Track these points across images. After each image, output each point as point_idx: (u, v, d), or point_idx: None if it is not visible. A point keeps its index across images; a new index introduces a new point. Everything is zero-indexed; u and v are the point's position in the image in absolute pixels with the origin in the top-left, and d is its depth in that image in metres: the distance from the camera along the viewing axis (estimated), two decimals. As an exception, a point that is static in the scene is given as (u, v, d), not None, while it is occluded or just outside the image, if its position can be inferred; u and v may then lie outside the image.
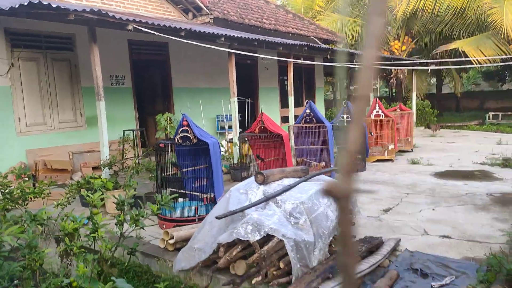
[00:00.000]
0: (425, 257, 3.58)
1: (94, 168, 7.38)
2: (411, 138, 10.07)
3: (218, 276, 3.01)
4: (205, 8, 9.65)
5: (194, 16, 10.01)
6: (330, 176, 6.74)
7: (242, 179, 6.04)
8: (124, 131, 7.83)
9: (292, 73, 9.13)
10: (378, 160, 8.73)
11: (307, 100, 6.89)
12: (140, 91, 9.36)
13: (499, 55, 15.13)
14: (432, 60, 16.19)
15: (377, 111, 8.92)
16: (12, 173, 4.47)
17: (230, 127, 10.96)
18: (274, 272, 2.63)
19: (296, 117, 13.36)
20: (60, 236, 3.40)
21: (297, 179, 3.26)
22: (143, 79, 9.90)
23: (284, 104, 13.59)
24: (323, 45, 9.88)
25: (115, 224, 2.96)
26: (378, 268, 3.35)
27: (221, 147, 7.00)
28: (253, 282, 2.52)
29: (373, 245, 3.48)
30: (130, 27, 5.56)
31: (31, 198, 4.10)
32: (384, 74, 24.96)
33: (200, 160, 5.04)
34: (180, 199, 5.14)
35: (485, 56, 15.07)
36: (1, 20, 6.64)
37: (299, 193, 2.98)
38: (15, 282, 2.41)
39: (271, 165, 6.36)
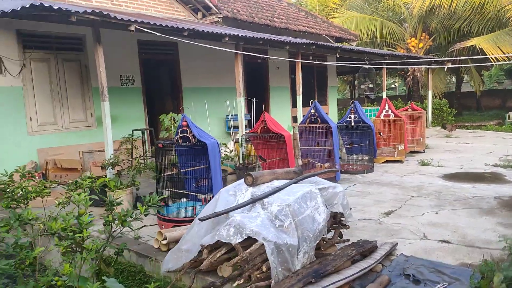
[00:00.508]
0: (420, 263, 3.52)
1: (103, 167, 7.52)
2: (423, 138, 9.88)
3: (206, 277, 3.04)
4: (214, 8, 9.69)
5: (204, 15, 10.06)
6: (335, 177, 6.72)
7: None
8: (133, 130, 7.94)
9: (300, 72, 9.07)
10: (387, 161, 8.60)
11: (312, 100, 6.84)
12: (150, 91, 9.48)
13: (519, 52, 14.69)
14: (448, 58, 15.83)
15: (387, 111, 8.78)
16: (16, 171, 4.59)
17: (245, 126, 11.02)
18: (258, 275, 2.63)
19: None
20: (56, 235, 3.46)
21: (288, 181, 3.25)
22: (152, 79, 10.01)
23: (295, 103, 13.51)
24: (331, 44, 9.78)
25: (103, 225, 3.01)
26: (370, 273, 3.31)
27: (226, 147, 7.03)
28: (234, 285, 2.53)
29: (365, 249, 3.43)
30: (132, 28, 5.64)
31: (33, 197, 4.20)
32: (402, 72, 24.59)
33: (201, 161, 5.07)
34: (184, 199, 5.20)
35: (504, 53, 14.64)
36: (14, 22, 6.83)
37: (286, 195, 2.97)
38: (4, 280, 2.48)
39: (275, 166, 6.35)
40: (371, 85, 11.18)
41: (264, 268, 2.58)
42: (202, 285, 2.70)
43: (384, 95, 12.66)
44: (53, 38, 7.56)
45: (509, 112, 19.54)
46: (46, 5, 4.61)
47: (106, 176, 5.68)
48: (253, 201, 2.89)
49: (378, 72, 25.89)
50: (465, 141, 11.60)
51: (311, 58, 9.49)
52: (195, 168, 4.94)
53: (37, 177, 6.59)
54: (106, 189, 5.28)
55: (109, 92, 8.38)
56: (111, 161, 5.55)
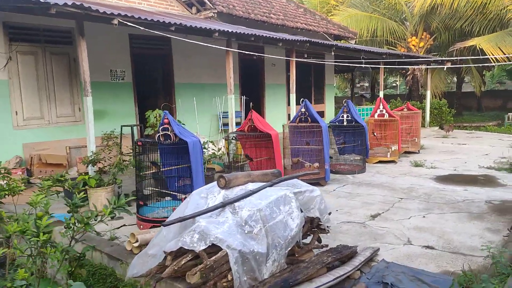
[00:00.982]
0: (400, 270, 3.39)
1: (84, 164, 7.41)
2: (418, 139, 9.73)
3: (176, 284, 2.91)
4: (209, 3, 9.53)
5: (198, 10, 9.90)
6: (325, 178, 6.58)
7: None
8: (122, 126, 7.82)
9: (294, 70, 8.92)
10: (380, 162, 8.46)
11: (302, 99, 6.69)
12: (142, 86, 9.33)
13: (519, 53, 14.48)
14: (447, 58, 15.62)
15: (381, 111, 8.64)
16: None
17: (238, 124, 10.88)
18: (224, 284, 2.51)
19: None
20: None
21: (263, 184, 3.12)
22: (144, 74, 9.87)
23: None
24: (327, 41, 9.61)
25: (64, 227, 2.89)
26: (347, 280, 3.18)
27: (214, 145, 6.90)
28: (196, 294, 2.41)
29: (343, 255, 3.30)
30: (115, 22, 5.50)
31: (5, 195, 4.08)
32: (403, 71, 24.38)
33: (184, 160, 4.94)
34: (168, 198, 5.08)
35: (504, 53, 14.44)
36: (0, 14, 6.69)
37: (259, 199, 2.84)
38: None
39: (262, 165, 6.22)
40: (367, 84, 10.99)
41: (229, 277, 2.45)
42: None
43: (381, 94, 12.50)
44: (41, 31, 7.42)
45: (509, 113, 19.35)
46: (25, -4, 4.49)
47: (87, 173, 5.56)
48: (223, 205, 2.76)
49: (378, 71, 25.81)
50: (461, 142, 11.44)
51: (305, 56, 9.33)
52: (177, 166, 4.80)
53: (19, 173, 6.48)
54: (87, 187, 5.16)
55: (99, 87, 8.33)
56: (91, 158, 5.42)
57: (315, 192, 3.19)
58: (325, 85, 14.80)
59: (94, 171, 5.53)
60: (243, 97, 8.58)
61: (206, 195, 2.99)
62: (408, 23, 20.30)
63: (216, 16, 9.71)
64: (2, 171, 4.43)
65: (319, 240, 3.55)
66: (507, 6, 15.52)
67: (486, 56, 14.36)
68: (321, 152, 6.63)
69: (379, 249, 3.81)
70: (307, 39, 8.72)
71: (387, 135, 8.83)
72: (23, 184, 4.36)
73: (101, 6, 6.23)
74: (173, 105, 7.20)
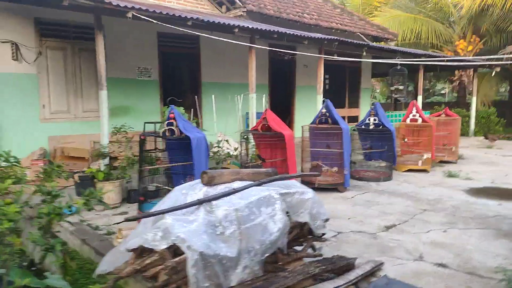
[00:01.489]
0: (402, 288, 3.04)
1: (111, 158, 7.50)
2: (455, 147, 9.04)
3: (149, 283, 2.76)
4: (238, 1, 9.42)
5: (228, 9, 9.83)
6: (343, 184, 6.21)
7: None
8: (145, 123, 7.85)
9: (322, 70, 8.58)
10: (410, 170, 7.91)
11: (323, 99, 6.38)
12: (168, 85, 9.37)
13: None
14: (497, 62, 14.47)
15: (414, 115, 8.09)
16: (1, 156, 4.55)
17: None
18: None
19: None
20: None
21: (250, 183, 2.89)
22: (171, 72, 9.91)
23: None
24: (358, 41, 9.17)
25: (36, 217, 2.82)
26: (339, 295, 2.89)
27: (228, 144, 6.73)
28: (155, 297, 2.24)
29: (337, 267, 3.00)
30: (130, 15, 5.49)
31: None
32: (451, 77, 23.10)
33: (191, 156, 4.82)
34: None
35: (562, 59, 13.19)
36: (32, 9, 6.94)
37: (240, 198, 2.62)
38: None
39: (277, 167, 5.96)
40: (401, 87, 10.41)
41: (193, 281, 2.25)
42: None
43: (419, 98, 11.80)
44: (71, 27, 7.62)
45: None
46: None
47: (99, 167, 5.57)
48: (199, 202, 2.57)
49: (425, 74, 24.55)
50: (507, 153, 10.53)
51: (335, 56, 8.95)
52: (178, 164, 4.68)
53: (41, 164, 6.65)
54: (95, 180, 5.18)
55: (125, 83, 8.46)
56: (101, 151, 5.44)
57: (307, 194, 2.92)
58: (360, 89, 14.23)
59: (104, 165, 5.54)
60: (264, 96, 8.35)
61: (187, 191, 2.82)
62: (455, 25, 19.17)
63: (245, 14, 9.58)
64: (12, 160, 4.50)
65: (314, 248, 3.26)
66: None
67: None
68: (341, 156, 6.27)
69: (383, 263, 3.45)
70: (336, 38, 8.36)
71: (420, 142, 8.26)
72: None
73: (127, 1, 6.27)
74: (180, 100, 7.07)
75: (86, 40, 7.88)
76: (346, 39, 8.70)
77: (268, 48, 7.55)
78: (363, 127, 7.39)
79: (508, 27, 16.89)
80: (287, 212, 2.81)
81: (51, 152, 7.31)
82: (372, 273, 3.29)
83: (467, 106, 18.92)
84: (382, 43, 14.96)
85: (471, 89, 19.47)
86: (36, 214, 3.12)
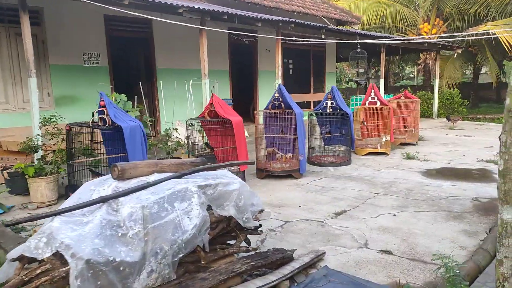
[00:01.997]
0: (340, 279, 2.84)
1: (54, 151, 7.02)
2: (415, 129, 9.01)
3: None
4: (192, -17, 8.95)
5: (182, -9, 9.33)
6: (299, 170, 6.00)
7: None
8: (93, 112, 7.39)
9: (280, 53, 8.29)
10: (370, 153, 7.82)
11: (276, 82, 6.11)
12: (120, 71, 8.89)
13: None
14: (461, 42, 14.61)
15: (373, 98, 7.95)
16: None
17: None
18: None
19: (299, 105, 12.54)
20: None
21: (168, 175, 2.60)
22: (123, 58, 9.42)
23: (287, 89, 12.70)
24: (315, 23, 8.92)
25: None
26: (273, 291, 2.66)
27: (177, 133, 6.40)
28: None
29: (269, 262, 2.77)
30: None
31: None
32: (416, 60, 23.34)
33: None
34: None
35: (520, 40, 13.41)
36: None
37: (150, 194, 2.32)
38: None
39: (228, 155, 5.71)
40: (361, 70, 10.28)
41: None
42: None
43: (381, 82, 11.74)
44: (4, 10, 7.01)
45: (526, 105, 18.14)
46: None
47: (32, 162, 5.14)
48: (102, 200, 2.25)
49: (392, 60, 24.70)
50: (468, 134, 10.64)
51: (293, 39, 8.68)
52: (116, 155, 4.33)
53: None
54: (26, 177, 4.75)
55: (70, 70, 7.93)
56: (29, 144, 5.00)
57: (232, 185, 2.65)
58: (325, 73, 14.08)
59: (37, 159, 5.10)
60: (216, 82, 8.01)
61: (96, 187, 2.49)
62: (419, 8, 19.25)
63: (201, -3, 9.13)
64: None
65: (248, 242, 3.01)
66: (525, -12, 14.43)
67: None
68: (296, 141, 6.05)
69: (324, 253, 3.25)
70: (292, 19, 8.07)
71: (379, 125, 8.16)
72: None
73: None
74: (111, 86, 6.70)
75: (24, 25, 7.27)
76: (302, 21, 8.42)
77: (221, 30, 7.18)
78: (320, 111, 7.18)
79: (470, 9, 17.07)
80: (209, 206, 2.53)
81: (-12, 147, 6.76)
82: (312, 264, 3.08)
83: (433, 88, 19.16)
84: (346, 26, 14.81)
85: (433, 71, 19.75)
86: None
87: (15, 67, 7.20)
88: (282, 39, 9.86)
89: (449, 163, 6.92)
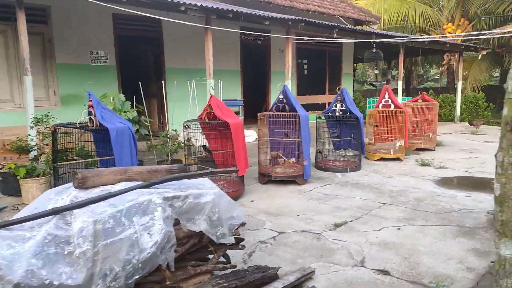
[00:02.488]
0: (326, 304, 2.55)
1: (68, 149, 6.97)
2: (433, 134, 8.54)
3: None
4: (203, -19, 8.77)
5: (193, -10, 9.17)
6: (303, 176, 5.69)
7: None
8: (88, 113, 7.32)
9: (290, 52, 8.01)
10: (382, 159, 7.43)
11: (280, 84, 5.84)
12: (128, 71, 8.79)
13: None
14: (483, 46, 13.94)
15: (386, 101, 7.56)
16: None
17: (235, 113, 10.14)
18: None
19: (307, 106, 12.19)
20: None
21: (136, 184, 2.38)
22: (131, 57, 9.32)
23: (301, 90, 12.46)
24: (326, 22, 8.58)
25: None
26: (248, 315, 2.41)
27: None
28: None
29: (244, 283, 2.51)
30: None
31: None
32: (440, 62, 22.52)
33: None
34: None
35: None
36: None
37: (109, 205, 2.10)
38: None
39: (228, 159, 5.46)
40: (377, 71, 9.85)
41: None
42: None
43: (399, 84, 11.27)
44: (12, 8, 6.98)
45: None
46: None
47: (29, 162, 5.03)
48: (53, 212, 2.05)
49: (413, 61, 23.95)
50: (490, 139, 10.06)
51: (305, 39, 8.37)
52: (107, 158, 4.15)
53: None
54: (18, 178, 4.65)
55: (76, 69, 7.87)
56: (19, 145, 4.90)
57: (205, 197, 2.40)
58: (341, 74, 13.68)
59: (30, 160, 5.00)
60: (220, 82, 7.78)
61: (55, 196, 2.30)
62: (444, 9, 18.53)
63: (211, -5, 8.94)
64: None
65: (227, 258, 2.76)
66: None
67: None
68: (301, 145, 5.75)
69: (313, 271, 2.97)
70: (302, 18, 7.76)
71: (394, 128, 7.76)
72: None
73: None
74: (100, 85, 6.53)
75: (31, 23, 7.23)
76: (313, 20, 8.09)
77: (230, 30, 6.96)
78: (329, 114, 6.86)
79: (497, 9, 16.30)
80: (176, 220, 2.30)
81: (-8, 145, 6.75)
82: (298, 284, 2.80)
83: (456, 91, 18.42)
84: (365, 26, 14.37)
85: (457, 73, 18.98)
86: None
87: (20, 65, 7.17)
88: (296, 40, 9.57)
89: (467, 171, 6.48)
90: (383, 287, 2.82)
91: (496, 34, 12.58)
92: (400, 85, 11.27)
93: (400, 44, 10.68)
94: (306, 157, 5.67)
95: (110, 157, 3.95)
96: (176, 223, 2.33)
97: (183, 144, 5.74)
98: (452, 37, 17.69)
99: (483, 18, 16.16)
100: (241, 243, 2.83)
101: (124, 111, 5.31)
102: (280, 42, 10.98)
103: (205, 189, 2.50)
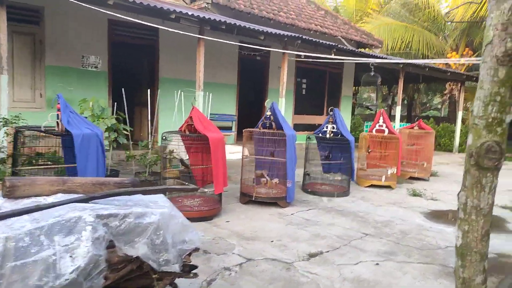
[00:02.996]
0: None
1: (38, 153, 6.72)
2: (428, 163, 8.28)
3: None
4: (203, -7, 8.70)
5: (193, 0, 9.09)
6: (285, 198, 5.40)
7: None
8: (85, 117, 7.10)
9: (285, 69, 7.84)
10: (373, 186, 7.16)
11: (268, 100, 5.63)
12: (120, 78, 8.62)
13: None
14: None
15: (380, 126, 7.33)
16: None
17: (224, 128, 9.93)
18: None
19: (304, 126, 12.00)
20: None
21: (72, 197, 2.12)
22: (125, 65, 9.17)
23: (298, 109, 12.27)
24: (325, 41, 8.43)
25: None
26: None
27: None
28: None
29: (190, 317, 2.22)
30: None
31: None
32: (444, 92, 22.39)
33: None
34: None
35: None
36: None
37: (31, 221, 1.85)
38: None
39: (208, 174, 5.20)
40: (373, 94, 9.65)
41: None
42: None
43: (397, 109, 11.06)
44: (4, 7, 6.85)
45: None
46: None
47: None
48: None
49: (415, 89, 23.87)
50: (488, 172, 9.75)
51: (302, 57, 8.20)
52: (70, 166, 3.90)
53: None
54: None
55: (66, 72, 7.70)
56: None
57: (149, 217, 2.13)
58: (341, 96, 13.51)
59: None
60: (209, 94, 7.57)
61: (-21, 206, 2.04)
62: (448, 36, 18.51)
63: (210, 7, 8.85)
64: None
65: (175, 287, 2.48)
66: None
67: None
68: (285, 166, 5.49)
69: (273, 308, 2.67)
70: (299, 35, 7.60)
71: (387, 155, 7.50)
72: None
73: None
74: (70, 88, 6.33)
75: (22, 23, 7.14)
76: (310, 38, 7.94)
77: (226, 41, 6.78)
78: (320, 135, 6.62)
79: (502, 41, 16.21)
80: (111, 242, 2.03)
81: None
82: (253, 322, 2.51)
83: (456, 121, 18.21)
84: (367, 49, 14.27)
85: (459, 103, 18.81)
86: None
87: (8, 65, 7.00)
88: (295, 58, 9.42)
89: (459, 204, 6.18)
90: (348, 331, 2.52)
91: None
92: (398, 110, 11.06)
93: (400, 69, 10.51)
94: (290, 179, 5.41)
95: (74, 165, 3.70)
96: (113, 245, 2.06)
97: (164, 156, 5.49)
98: (457, 68, 17.59)
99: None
100: (194, 271, 2.55)
101: (102, 118, 5.08)
102: (279, 59, 10.85)
103: (152, 208, 2.23)
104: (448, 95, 19.64)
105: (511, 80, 1.44)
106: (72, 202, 2.09)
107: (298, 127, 12.24)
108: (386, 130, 7.28)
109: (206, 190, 4.88)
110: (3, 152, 4.78)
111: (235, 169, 7.23)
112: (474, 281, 1.29)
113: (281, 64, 7.78)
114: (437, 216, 5.47)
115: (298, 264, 3.53)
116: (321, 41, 8.20)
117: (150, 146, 5.83)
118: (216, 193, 4.76)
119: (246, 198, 5.52)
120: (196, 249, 2.49)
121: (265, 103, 5.46)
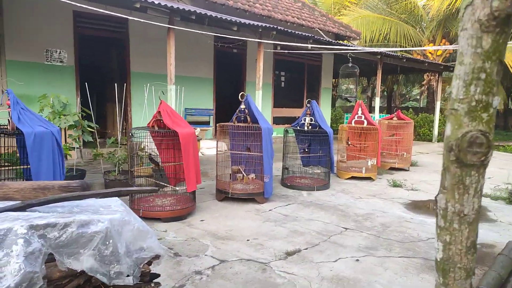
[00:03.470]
0: None
1: None
2: (408, 153, 8.20)
3: None
4: (174, -17, 8.32)
5: (164, -8, 8.71)
6: (263, 194, 5.18)
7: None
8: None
9: (261, 61, 7.59)
10: (354, 178, 7.02)
11: (241, 93, 5.38)
12: (89, 73, 8.21)
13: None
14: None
15: (359, 117, 7.18)
16: None
17: (202, 123, 9.63)
18: None
19: (283, 119, 11.82)
20: None
21: (11, 204, 1.84)
22: (93, 59, 8.76)
23: (278, 102, 12.06)
24: (301, 33, 8.22)
25: None
26: None
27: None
28: None
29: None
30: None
31: None
32: (422, 82, 22.55)
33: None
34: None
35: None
36: None
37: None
38: None
39: (180, 172, 4.93)
40: (351, 86, 9.54)
41: None
42: None
43: (377, 100, 10.97)
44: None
45: (534, 133, 17.28)
46: None
47: None
48: None
49: (394, 79, 24.01)
50: (466, 161, 9.77)
51: (278, 48, 7.97)
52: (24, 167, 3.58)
53: None
54: None
55: (28, 68, 7.26)
56: None
57: (95, 225, 1.87)
58: (320, 88, 13.36)
59: None
60: (181, 88, 7.28)
61: None
62: (425, 28, 18.58)
63: (184, -1, 8.50)
64: None
65: (134, 299, 2.22)
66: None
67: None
68: (262, 160, 5.27)
69: (244, 316, 2.45)
70: (274, 26, 7.37)
71: (367, 146, 7.36)
72: None
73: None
74: (21, 83, 5.96)
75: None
76: (286, 29, 7.71)
77: (197, 31, 6.48)
78: (298, 127, 6.42)
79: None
80: (51, 255, 1.76)
81: None
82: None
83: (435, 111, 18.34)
84: (345, 41, 14.14)
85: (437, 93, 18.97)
86: None
87: (-36, 60, 6.55)
88: (274, 51, 9.19)
89: (440, 194, 6.08)
90: (326, 338, 2.32)
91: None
92: (378, 102, 10.97)
93: (378, 60, 10.40)
94: (267, 173, 5.18)
95: (28, 166, 3.38)
96: (53, 258, 1.80)
97: (132, 154, 5.18)
98: (430, 53, 17.70)
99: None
100: (156, 280, 2.31)
101: (64, 115, 4.74)
102: (256, 52, 10.61)
103: (101, 214, 1.97)
104: (427, 86, 19.78)
105: (498, 51, 1.12)
106: (4, 211, 1.81)
107: (278, 120, 12.04)
108: (365, 121, 7.14)
109: (177, 188, 4.61)
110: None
111: (212, 165, 6.96)
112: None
113: (257, 56, 7.52)
114: (418, 206, 5.35)
115: (274, 264, 3.32)
116: (296, 32, 7.98)
117: (119, 143, 5.50)
118: (188, 191, 4.50)
119: (222, 195, 5.28)
120: (157, 257, 2.26)
121: (239, 96, 5.21)
